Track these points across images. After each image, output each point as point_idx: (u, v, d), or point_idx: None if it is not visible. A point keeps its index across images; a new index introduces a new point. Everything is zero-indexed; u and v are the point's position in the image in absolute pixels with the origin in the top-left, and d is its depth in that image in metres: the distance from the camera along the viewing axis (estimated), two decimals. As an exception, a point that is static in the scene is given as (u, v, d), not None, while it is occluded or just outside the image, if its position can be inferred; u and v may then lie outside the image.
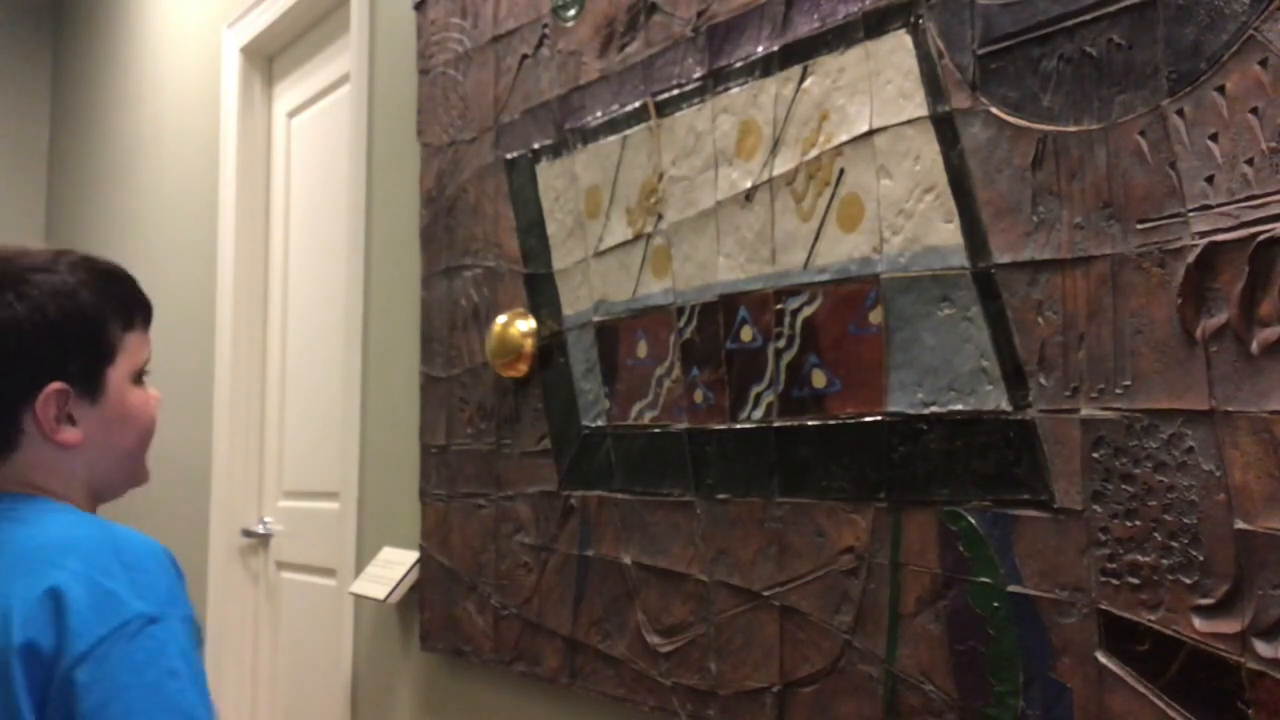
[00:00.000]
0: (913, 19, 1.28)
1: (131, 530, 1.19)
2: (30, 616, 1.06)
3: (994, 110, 1.19)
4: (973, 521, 1.21)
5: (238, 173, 3.30)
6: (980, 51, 1.21)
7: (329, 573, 2.71)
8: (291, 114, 3.22)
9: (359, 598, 2.42)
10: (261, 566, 3.17)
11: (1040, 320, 1.15)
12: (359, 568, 2.47)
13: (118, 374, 1.26)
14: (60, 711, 1.03)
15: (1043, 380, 1.15)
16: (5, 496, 1.22)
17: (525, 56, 1.93)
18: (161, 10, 4.04)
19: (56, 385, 1.20)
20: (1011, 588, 1.17)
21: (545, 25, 1.89)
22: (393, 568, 2.30)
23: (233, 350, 3.26)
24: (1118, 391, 1.08)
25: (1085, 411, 1.11)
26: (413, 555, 2.25)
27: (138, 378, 1.29)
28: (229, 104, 3.36)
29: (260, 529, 3.13)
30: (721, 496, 1.52)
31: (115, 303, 1.27)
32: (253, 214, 3.30)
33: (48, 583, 1.08)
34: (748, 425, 1.49)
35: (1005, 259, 1.18)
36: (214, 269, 3.39)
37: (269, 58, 3.31)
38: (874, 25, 1.33)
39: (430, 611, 2.16)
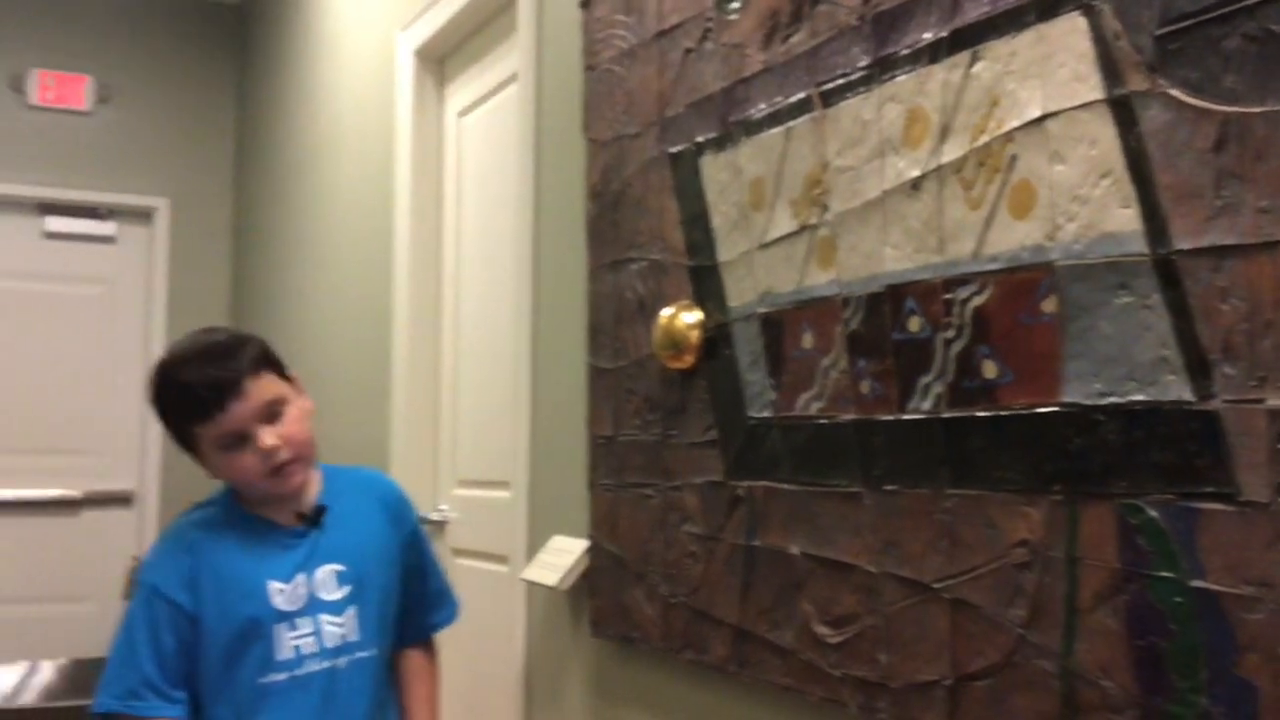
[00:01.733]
0: (1088, 1, 1.25)
1: (191, 517, 1.79)
2: None
3: (1174, 92, 1.16)
4: (1154, 515, 1.17)
5: (412, 171, 3.41)
6: (1159, 32, 1.17)
7: (501, 559, 2.79)
8: (462, 113, 3.31)
9: (531, 584, 2.48)
10: (438, 553, 3.27)
11: (1224, 307, 1.11)
12: (530, 555, 2.53)
13: (203, 450, 1.71)
14: None
15: (1227, 369, 1.11)
16: None
17: (689, 50, 1.95)
18: (338, 17, 4.20)
19: (187, 452, 1.75)
20: (1194, 582, 1.13)
21: (709, 19, 1.90)
22: (563, 555, 2.35)
23: (409, 343, 3.37)
24: (1309, 381, 1.04)
25: (1273, 401, 1.07)
26: (582, 543, 2.29)
27: (226, 446, 1.69)
28: (403, 105, 3.47)
29: (436, 516, 3.23)
30: (890, 488, 1.51)
31: (182, 413, 1.70)
32: (426, 211, 3.41)
33: None
34: (916, 416, 1.47)
35: (1187, 245, 1.15)
36: (390, 264, 3.51)
37: (440, 59, 3.41)
38: (1047, 8, 1.30)
39: (600, 599, 2.20)
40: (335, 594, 1.76)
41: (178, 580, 1.69)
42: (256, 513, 1.77)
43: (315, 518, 1.78)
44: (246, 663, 1.70)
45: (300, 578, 1.74)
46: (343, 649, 1.75)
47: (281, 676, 1.71)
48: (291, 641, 1.71)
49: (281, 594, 1.72)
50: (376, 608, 1.80)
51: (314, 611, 1.74)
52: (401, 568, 1.87)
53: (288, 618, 1.72)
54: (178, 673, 1.68)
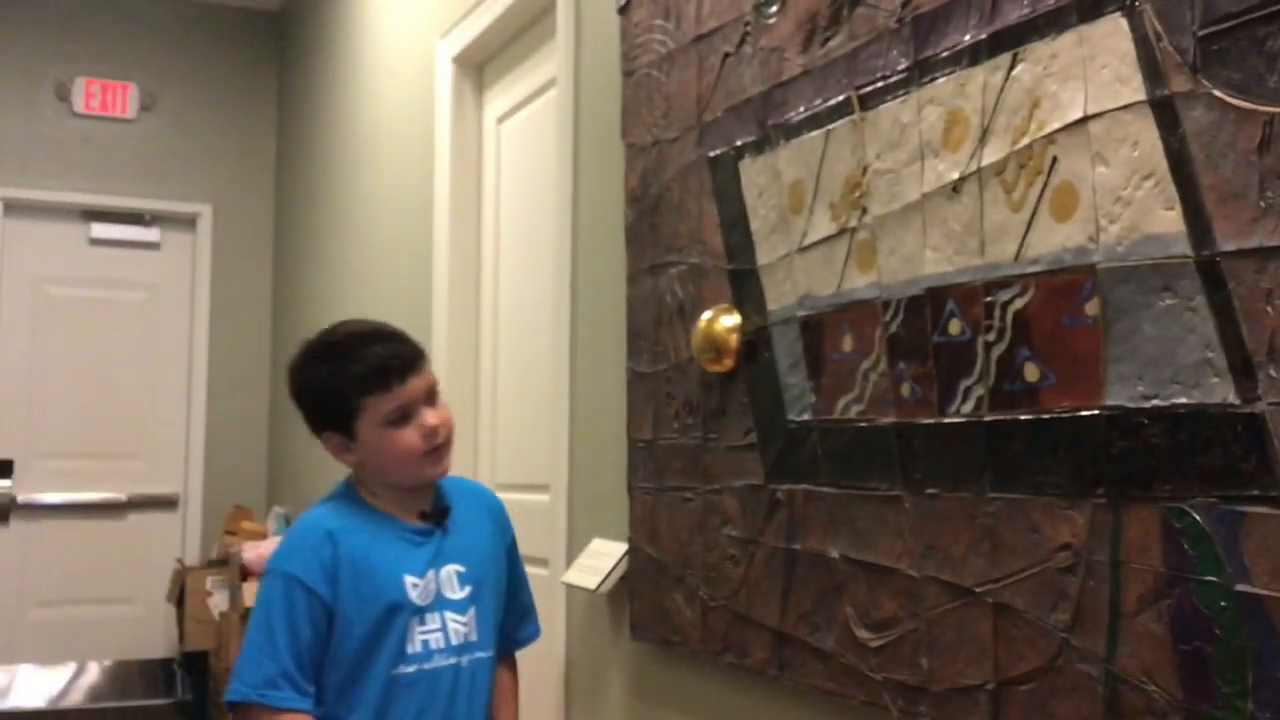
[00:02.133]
0: (1129, 1, 1.25)
1: (319, 510, 1.80)
2: None
3: (1217, 93, 1.15)
4: (1198, 519, 1.17)
5: (451, 176, 3.43)
6: (1201, 33, 1.16)
7: (542, 563, 2.80)
8: (501, 119, 3.33)
9: (571, 587, 2.49)
10: (477, 555, 3.29)
11: (1270, 310, 1.10)
12: (570, 558, 2.53)
13: (365, 425, 1.75)
14: None
15: (1273, 372, 1.10)
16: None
17: (727, 55, 1.95)
18: (378, 25, 4.23)
19: (328, 433, 1.79)
20: (1240, 586, 1.12)
21: (747, 23, 1.90)
22: (603, 558, 2.35)
23: (448, 347, 3.40)
24: (1357, 383, 1.03)
25: (1321, 404, 1.06)
26: (622, 546, 2.30)
27: (392, 422, 1.74)
28: (442, 111, 3.49)
29: (475, 519, 3.24)
30: (930, 491, 1.51)
31: (361, 384, 1.73)
32: (465, 216, 3.43)
33: None
34: (957, 419, 1.47)
35: (1231, 246, 1.14)
36: (430, 268, 3.53)
37: (479, 66, 3.43)
38: (1088, 9, 1.30)
39: (640, 602, 2.21)
40: (459, 594, 1.80)
41: (319, 570, 1.71)
42: (382, 509, 1.81)
43: (440, 517, 1.84)
44: (381, 654, 1.72)
45: (430, 574, 1.78)
46: (465, 647, 1.79)
47: (411, 669, 1.74)
48: (421, 635, 1.75)
49: (415, 588, 1.76)
50: (491, 611, 1.86)
51: (441, 609, 1.78)
52: (505, 576, 1.93)
53: (420, 611, 1.76)
54: (312, 665, 1.71)
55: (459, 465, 3.35)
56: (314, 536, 1.74)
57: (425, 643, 1.75)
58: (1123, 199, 1.25)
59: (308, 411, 1.80)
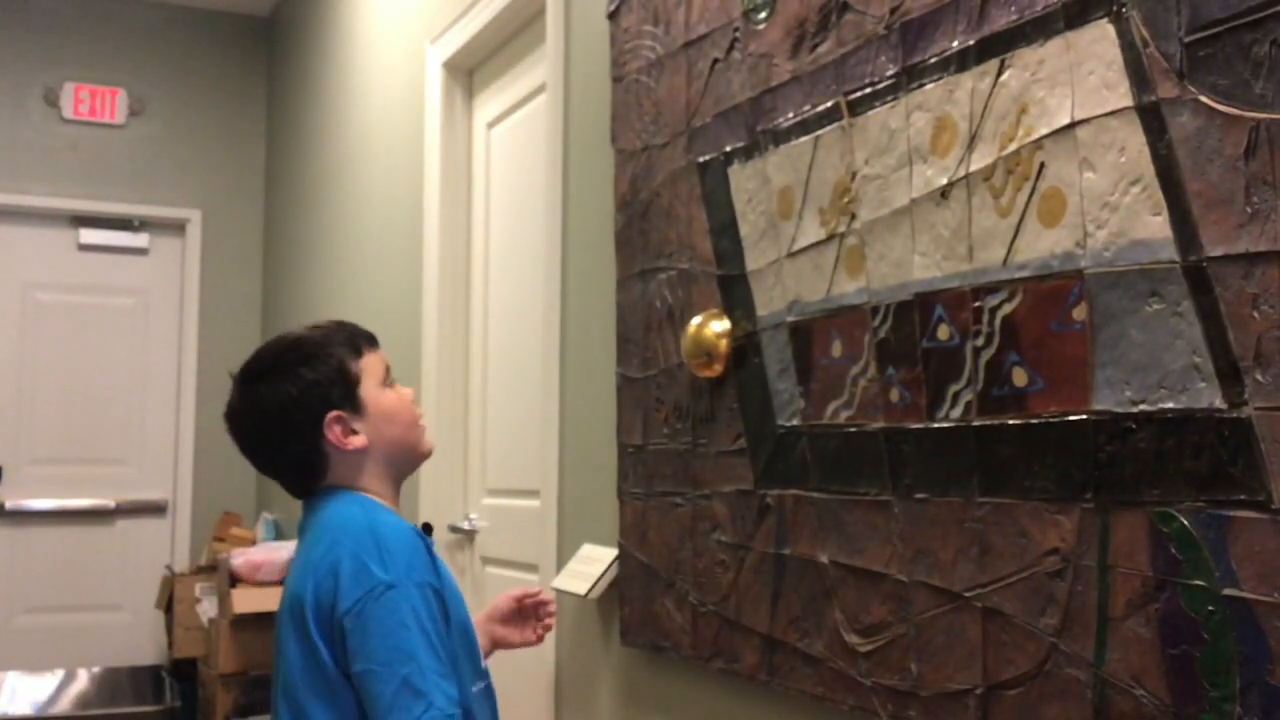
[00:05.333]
0: (1116, 8, 1.25)
1: (389, 514, 1.62)
2: (321, 580, 1.52)
3: (1203, 99, 1.16)
4: (1186, 523, 1.17)
5: (441, 181, 3.43)
6: (1188, 39, 1.17)
7: (531, 568, 2.80)
8: (491, 124, 3.33)
9: (561, 592, 2.49)
10: (468, 562, 3.29)
11: (1256, 315, 1.11)
12: (560, 564, 2.53)
13: (367, 389, 1.66)
14: (339, 646, 1.50)
15: (1259, 377, 1.10)
16: (328, 490, 1.66)
17: (716, 60, 1.96)
18: (368, 30, 4.23)
19: (333, 413, 1.63)
20: (1227, 590, 1.13)
21: (736, 29, 1.91)
22: (593, 564, 2.35)
23: (438, 351, 3.39)
24: (1342, 388, 1.03)
25: (1307, 409, 1.06)
26: (612, 552, 2.30)
27: (386, 383, 1.68)
28: (432, 116, 3.49)
29: (466, 525, 3.24)
30: (919, 496, 1.51)
31: (344, 342, 1.68)
32: (455, 221, 3.43)
33: (333, 558, 1.53)
34: (946, 424, 1.47)
35: (1218, 252, 1.14)
36: (419, 273, 3.53)
37: (469, 71, 3.43)
38: (1075, 15, 1.30)
39: (630, 607, 2.21)
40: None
41: (433, 570, 1.57)
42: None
43: (428, 531, 1.74)
44: (465, 668, 1.60)
45: None
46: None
47: (481, 685, 1.66)
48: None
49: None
50: None
51: None
52: None
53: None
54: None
55: (450, 471, 3.36)
56: (409, 538, 1.57)
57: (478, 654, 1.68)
58: (1110, 204, 1.26)
59: (301, 412, 1.63)
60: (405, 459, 1.71)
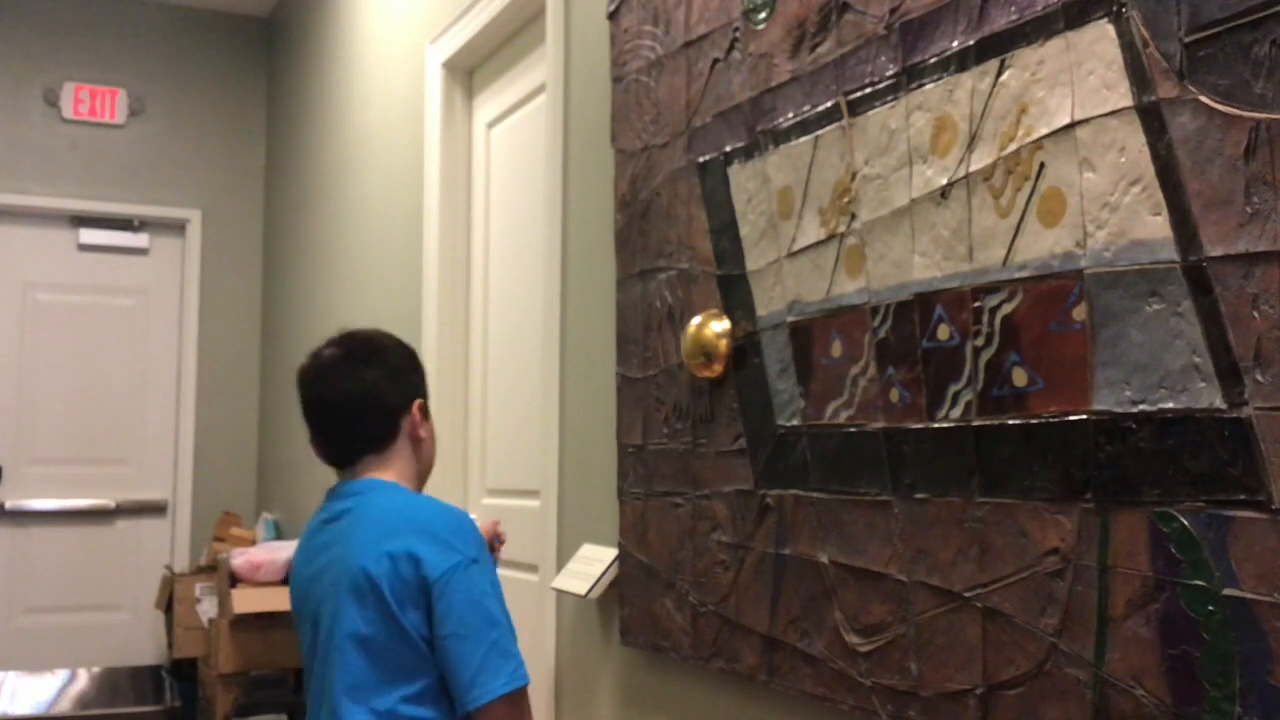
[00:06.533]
0: (1115, 8, 1.25)
1: (448, 504, 1.85)
2: (399, 554, 1.71)
3: (1203, 99, 1.16)
4: (1186, 523, 1.17)
5: (441, 182, 3.43)
6: (1188, 39, 1.17)
7: (531, 568, 2.80)
8: (491, 124, 3.33)
9: (560, 593, 2.49)
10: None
11: (1256, 314, 1.11)
12: (560, 564, 2.53)
13: (428, 410, 1.93)
14: (424, 611, 1.70)
15: (1259, 377, 1.10)
16: (370, 481, 1.85)
17: (716, 61, 1.96)
18: (368, 30, 4.23)
19: (421, 401, 1.92)
20: (1228, 591, 1.13)
21: (736, 29, 1.91)
22: (592, 564, 2.35)
23: (438, 351, 3.39)
24: (1342, 388, 1.03)
25: (1307, 409, 1.06)
26: (611, 552, 2.30)
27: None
28: (432, 117, 3.49)
29: (465, 525, 3.24)
30: (919, 496, 1.51)
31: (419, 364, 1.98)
32: (455, 221, 3.43)
33: (410, 532, 1.73)
34: (946, 424, 1.47)
35: (1218, 252, 1.14)
36: (419, 274, 3.53)
37: (469, 71, 3.43)
38: (1075, 15, 1.30)
39: (630, 607, 2.21)
40: None
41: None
42: None
43: None
44: None
45: None
46: None
47: None
48: None
49: None
50: None
51: None
52: None
53: None
54: None
55: (451, 470, 3.35)
56: (473, 523, 1.83)
57: None
58: (1110, 205, 1.26)
59: (395, 393, 1.88)
60: (427, 472, 1.96)
